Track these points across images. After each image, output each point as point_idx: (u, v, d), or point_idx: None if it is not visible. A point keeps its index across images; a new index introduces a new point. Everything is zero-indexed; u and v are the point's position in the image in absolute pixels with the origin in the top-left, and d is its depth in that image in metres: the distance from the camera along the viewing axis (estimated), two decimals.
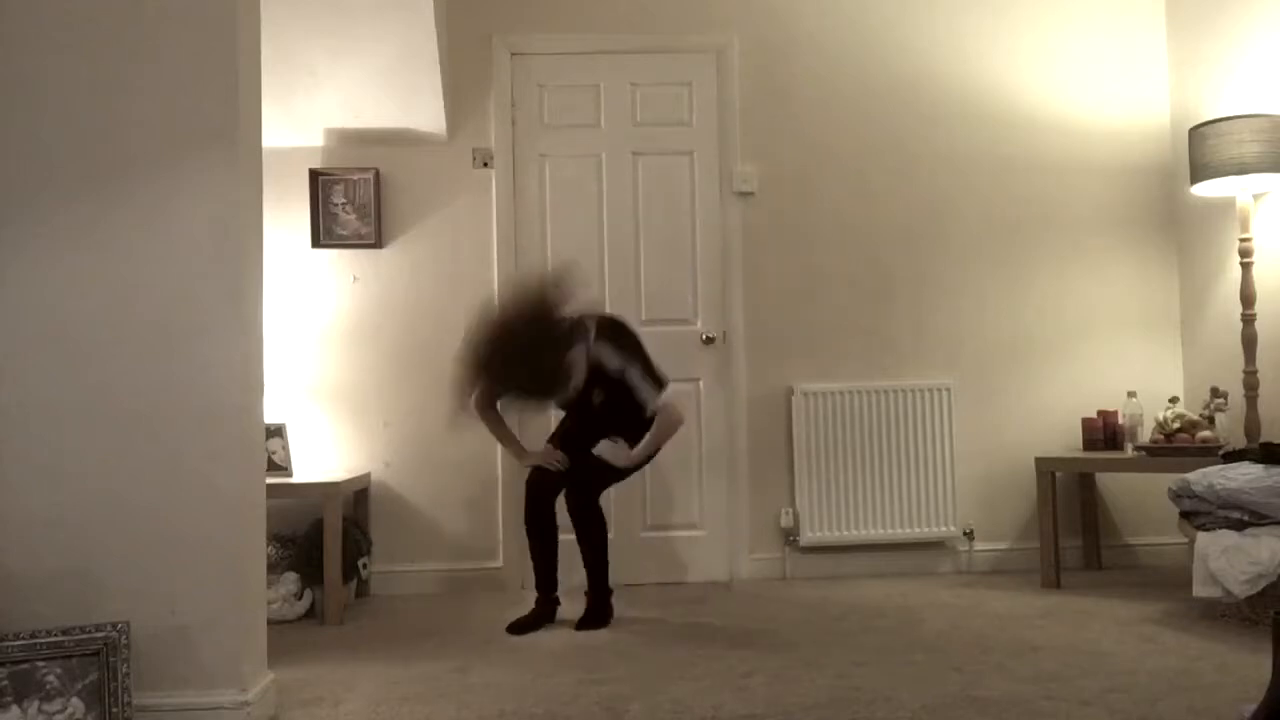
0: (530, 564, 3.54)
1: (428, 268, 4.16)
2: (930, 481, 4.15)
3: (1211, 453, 3.50)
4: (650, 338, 3.60)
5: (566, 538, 3.51)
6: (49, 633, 2.24)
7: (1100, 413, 4.00)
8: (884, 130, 4.31)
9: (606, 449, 3.46)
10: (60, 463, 2.36)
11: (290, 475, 3.79)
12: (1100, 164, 4.33)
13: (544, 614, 3.44)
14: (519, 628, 3.36)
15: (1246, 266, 3.69)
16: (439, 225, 4.17)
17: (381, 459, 4.11)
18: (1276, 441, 3.35)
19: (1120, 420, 3.94)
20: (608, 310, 3.84)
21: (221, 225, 2.41)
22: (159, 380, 2.38)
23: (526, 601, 3.51)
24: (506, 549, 4.09)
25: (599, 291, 4.10)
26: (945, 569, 4.19)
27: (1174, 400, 3.85)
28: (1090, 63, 4.36)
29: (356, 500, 4.02)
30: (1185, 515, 3.35)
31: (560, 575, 3.52)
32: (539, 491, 3.49)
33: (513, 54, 4.23)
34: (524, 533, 3.53)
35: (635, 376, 3.40)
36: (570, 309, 3.38)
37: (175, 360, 2.39)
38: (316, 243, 4.12)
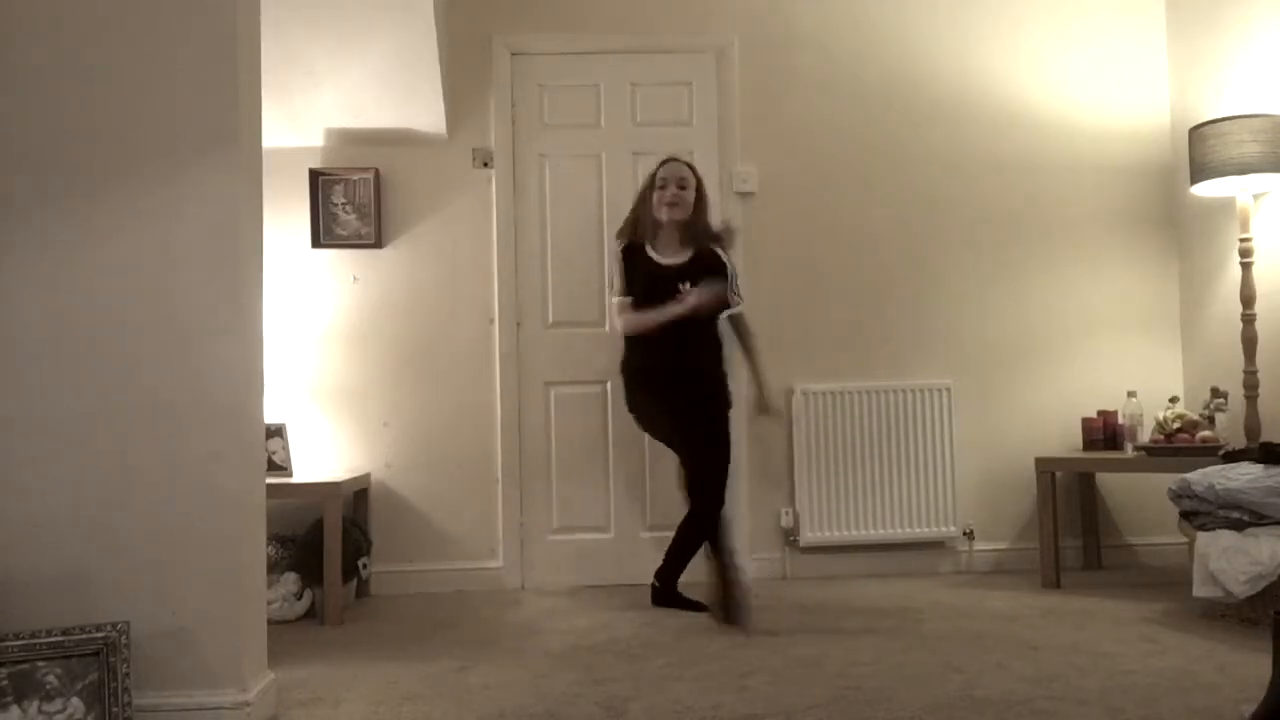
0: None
1: (428, 268, 4.16)
2: (930, 481, 4.15)
3: (1211, 453, 3.50)
4: None
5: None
6: (49, 633, 2.24)
7: (1100, 413, 4.00)
8: (884, 130, 4.31)
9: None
10: (60, 463, 2.36)
11: (290, 475, 3.78)
12: (1100, 164, 4.33)
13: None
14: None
15: (1246, 266, 3.69)
16: (439, 225, 4.17)
17: (381, 459, 4.10)
18: (1276, 441, 3.36)
19: (1120, 420, 3.94)
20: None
21: (221, 225, 2.41)
22: (159, 380, 2.38)
23: (526, 602, 3.51)
24: (506, 549, 4.09)
25: (599, 290, 4.11)
26: (945, 569, 4.19)
27: (1174, 400, 3.85)
28: (1090, 63, 4.35)
29: (356, 500, 4.02)
30: (1185, 515, 3.35)
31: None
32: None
33: (513, 54, 4.22)
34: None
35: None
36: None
37: (175, 360, 2.39)
38: (316, 243, 4.12)
